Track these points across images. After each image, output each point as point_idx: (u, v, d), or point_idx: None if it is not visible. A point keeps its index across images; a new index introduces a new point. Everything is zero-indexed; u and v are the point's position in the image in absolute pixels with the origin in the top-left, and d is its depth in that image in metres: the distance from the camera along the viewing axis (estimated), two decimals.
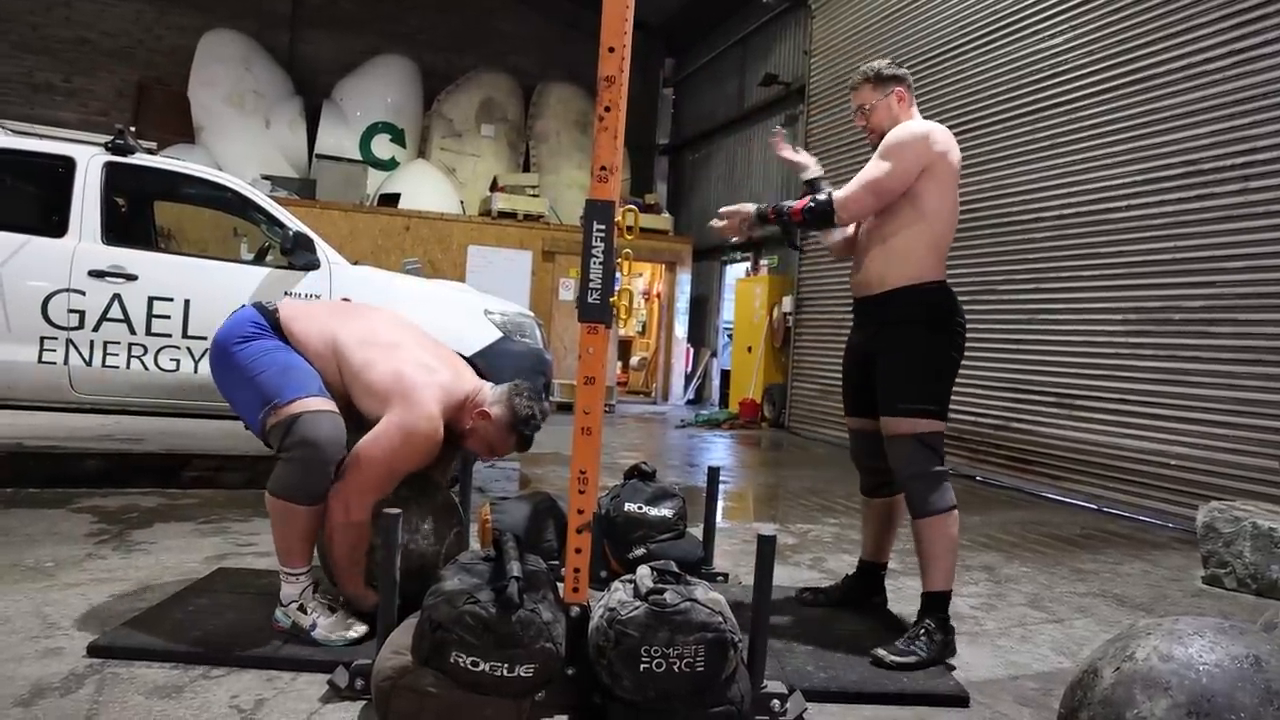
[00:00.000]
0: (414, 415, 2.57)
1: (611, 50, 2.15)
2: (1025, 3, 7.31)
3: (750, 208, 3.10)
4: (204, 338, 4.60)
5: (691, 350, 14.15)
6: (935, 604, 2.84)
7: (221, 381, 2.77)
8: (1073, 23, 6.81)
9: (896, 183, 2.87)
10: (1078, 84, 6.71)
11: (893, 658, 2.69)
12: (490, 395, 2.79)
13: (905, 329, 2.90)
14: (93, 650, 2.48)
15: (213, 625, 2.68)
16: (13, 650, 2.48)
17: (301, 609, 2.61)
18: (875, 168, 2.89)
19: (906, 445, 2.85)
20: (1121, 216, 6.28)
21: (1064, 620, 3.49)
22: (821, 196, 3.00)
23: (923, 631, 2.78)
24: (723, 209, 3.14)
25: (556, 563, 3.10)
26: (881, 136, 3.04)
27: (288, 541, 2.62)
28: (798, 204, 3.03)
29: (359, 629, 2.61)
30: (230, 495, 4.82)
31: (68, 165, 4.61)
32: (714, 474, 3.73)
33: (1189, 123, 5.80)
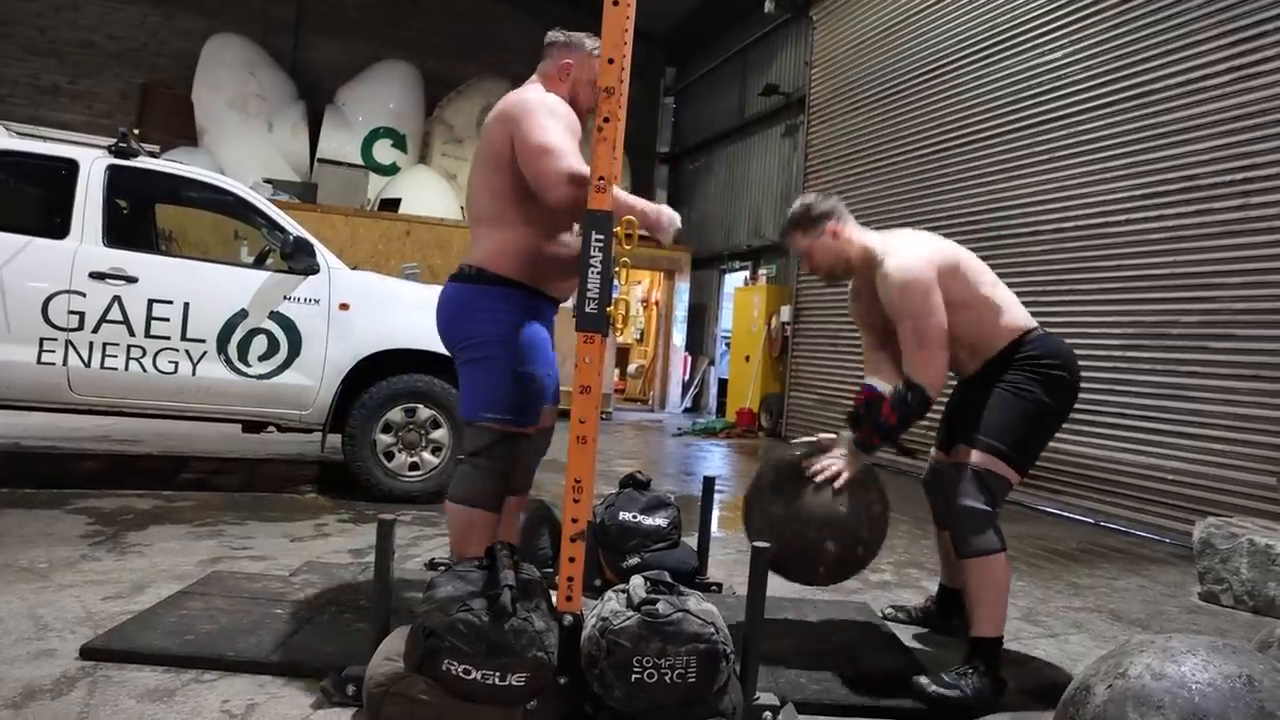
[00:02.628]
0: None
1: (611, 62, 2.16)
2: (1025, 16, 7.34)
3: (845, 448, 2.83)
4: (202, 340, 4.62)
5: (689, 358, 14.15)
6: (982, 651, 2.67)
7: None
8: (1072, 37, 6.83)
9: (939, 323, 2.69)
10: (1076, 98, 6.73)
11: (935, 688, 2.56)
12: None
13: (1007, 370, 2.82)
14: (85, 653, 2.48)
15: (206, 629, 2.68)
16: (5, 652, 2.47)
17: None
18: (913, 329, 2.70)
19: (962, 474, 2.72)
20: (1119, 231, 6.30)
21: (1059, 635, 3.48)
22: (905, 393, 2.73)
23: (970, 670, 2.63)
24: (814, 466, 2.82)
25: (550, 570, 3.09)
26: (831, 275, 2.96)
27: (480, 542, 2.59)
28: (886, 412, 2.79)
29: None
30: (226, 498, 4.82)
31: (71, 168, 4.62)
32: (709, 484, 3.73)
33: (1188, 138, 5.82)
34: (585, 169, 2.41)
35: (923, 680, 2.61)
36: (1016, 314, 2.89)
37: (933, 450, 3.23)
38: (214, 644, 2.56)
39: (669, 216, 2.53)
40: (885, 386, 3.02)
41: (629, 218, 2.38)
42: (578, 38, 2.86)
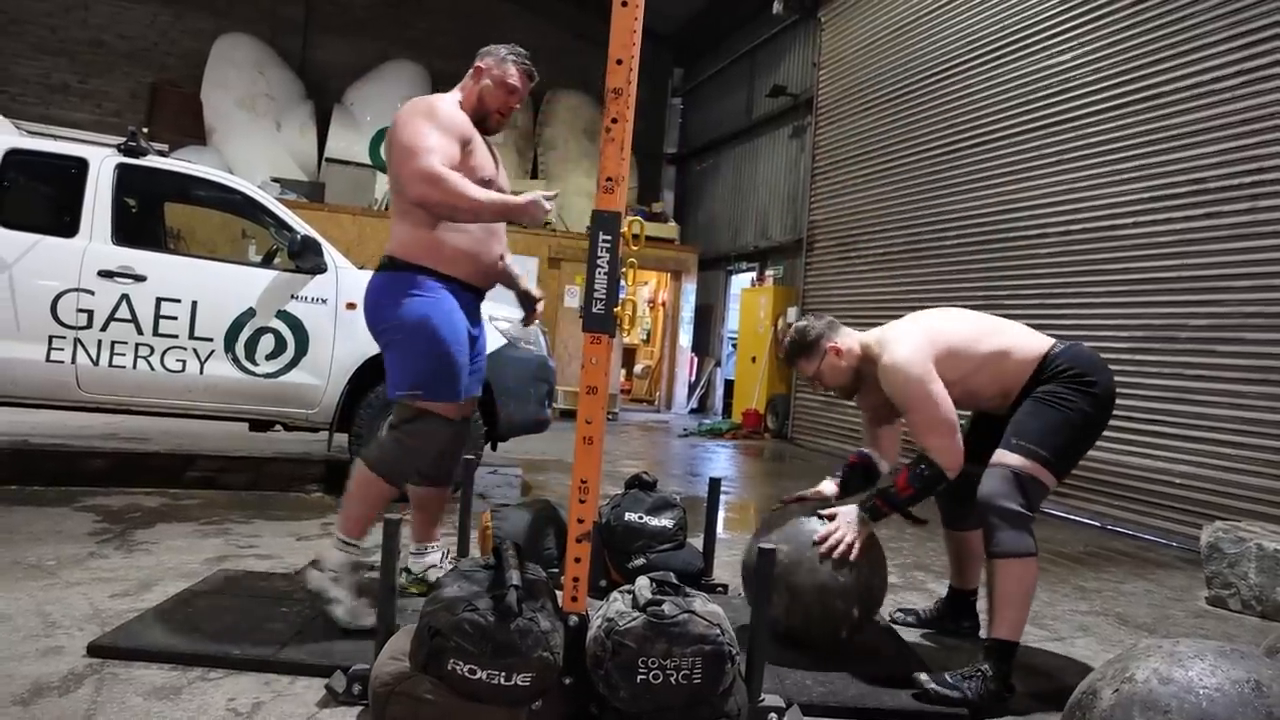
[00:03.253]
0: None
1: (619, 63, 2.16)
2: (1034, 19, 7.33)
3: (853, 516, 2.85)
4: (210, 339, 4.63)
5: (695, 359, 14.15)
6: (997, 653, 2.63)
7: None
8: (1081, 40, 6.81)
9: (945, 406, 2.74)
10: (1085, 101, 6.71)
11: (934, 687, 2.56)
12: None
13: (1039, 385, 2.82)
14: (92, 650, 2.48)
15: (212, 627, 2.68)
16: (13, 649, 2.48)
17: (336, 580, 2.71)
18: (923, 420, 2.76)
19: (1001, 475, 2.69)
20: (1127, 234, 6.28)
21: (1065, 639, 3.47)
22: (923, 470, 2.76)
23: (977, 673, 2.60)
24: (818, 536, 2.84)
25: (556, 570, 3.10)
26: (847, 392, 3.06)
27: (361, 510, 2.78)
28: (901, 484, 2.80)
29: (368, 619, 2.62)
30: (233, 497, 4.83)
31: (80, 166, 4.64)
32: (715, 485, 3.72)
33: (1196, 141, 5.80)
34: (440, 170, 2.64)
35: (923, 677, 2.61)
36: (1029, 345, 2.89)
37: None
38: (220, 642, 2.57)
39: (538, 205, 2.71)
40: (880, 460, 3.14)
41: (634, 219, 2.38)
42: (497, 47, 3.07)
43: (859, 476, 3.18)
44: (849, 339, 3.03)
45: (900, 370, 2.77)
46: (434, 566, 3.19)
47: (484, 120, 3.01)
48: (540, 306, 3.42)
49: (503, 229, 3.08)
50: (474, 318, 3.01)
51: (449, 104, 2.90)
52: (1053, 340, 2.91)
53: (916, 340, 2.83)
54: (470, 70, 3.05)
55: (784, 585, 2.79)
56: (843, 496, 3.11)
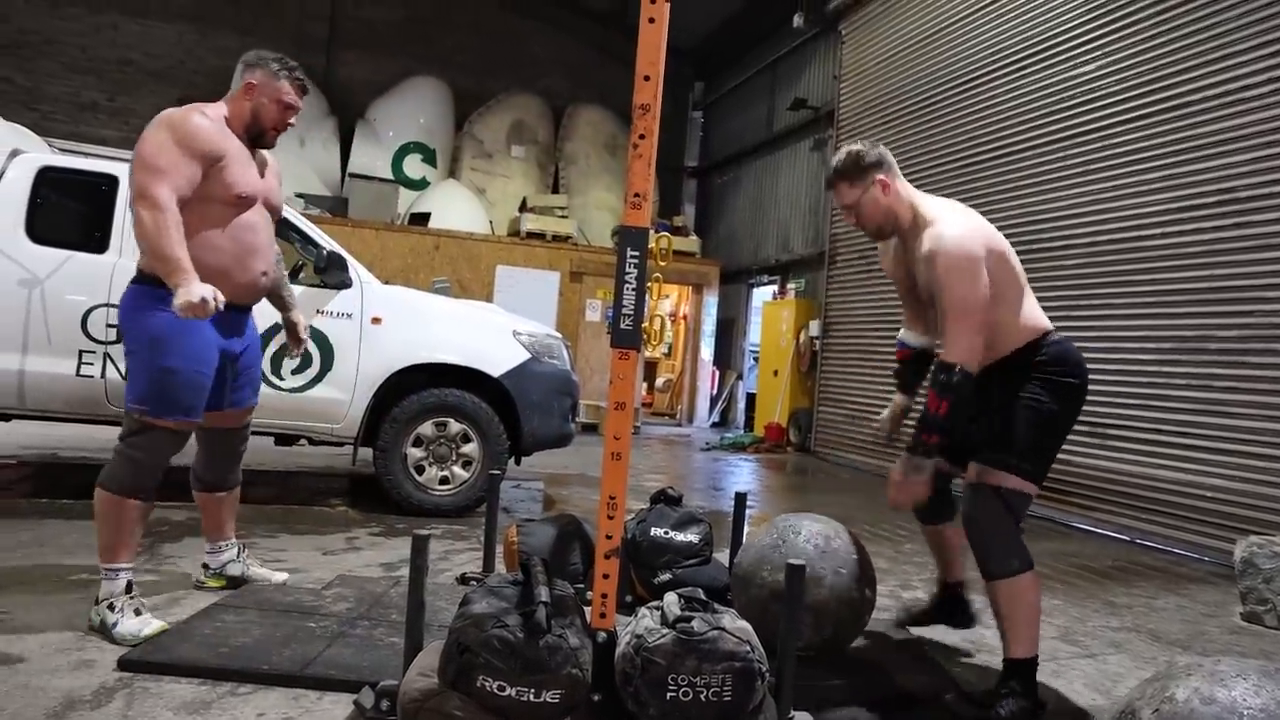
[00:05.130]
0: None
1: (647, 79, 2.16)
2: (1057, 29, 7.29)
3: (899, 470, 2.70)
4: None
5: (717, 373, 14.12)
6: (1017, 671, 2.62)
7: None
8: (1105, 50, 6.77)
9: (983, 298, 2.57)
10: (1111, 111, 6.66)
11: (972, 712, 2.54)
12: None
13: (1022, 378, 2.73)
14: (123, 664, 2.50)
15: (241, 642, 2.70)
16: (46, 661, 2.51)
17: (110, 606, 2.72)
18: (958, 300, 2.56)
19: (983, 495, 2.64)
20: (1155, 244, 6.22)
21: (1097, 655, 3.42)
22: (946, 379, 2.55)
23: (1005, 692, 2.59)
24: (893, 496, 2.73)
25: (581, 586, 3.09)
26: (880, 234, 2.86)
27: (113, 534, 2.77)
28: (935, 406, 2.59)
29: (153, 625, 2.72)
30: (257, 510, 4.85)
31: (110, 183, 4.70)
32: (740, 499, 3.70)
33: (1225, 150, 5.75)
34: (157, 190, 2.68)
35: (951, 699, 2.58)
36: (1038, 315, 2.82)
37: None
38: (249, 657, 2.58)
39: (185, 303, 2.63)
40: (919, 340, 3.00)
41: (662, 235, 2.39)
42: (266, 56, 3.04)
43: (913, 371, 3.06)
44: (902, 184, 2.83)
45: (958, 244, 2.59)
46: (232, 561, 3.36)
47: (260, 136, 3.03)
48: (304, 334, 3.53)
49: (267, 246, 3.12)
50: (236, 331, 3.08)
51: (199, 120, 2.85)
52: (1054, 327, 2.85)
53: (978, 225, 2.71)
54: (241, 84, 3.02)
55: (816, 582, 2.73)
56: (914, 395, 3.02)
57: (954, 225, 2.66)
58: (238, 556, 3.39)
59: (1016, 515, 2.64)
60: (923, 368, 3.07)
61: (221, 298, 2.71)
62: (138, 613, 2.75)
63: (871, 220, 2.83)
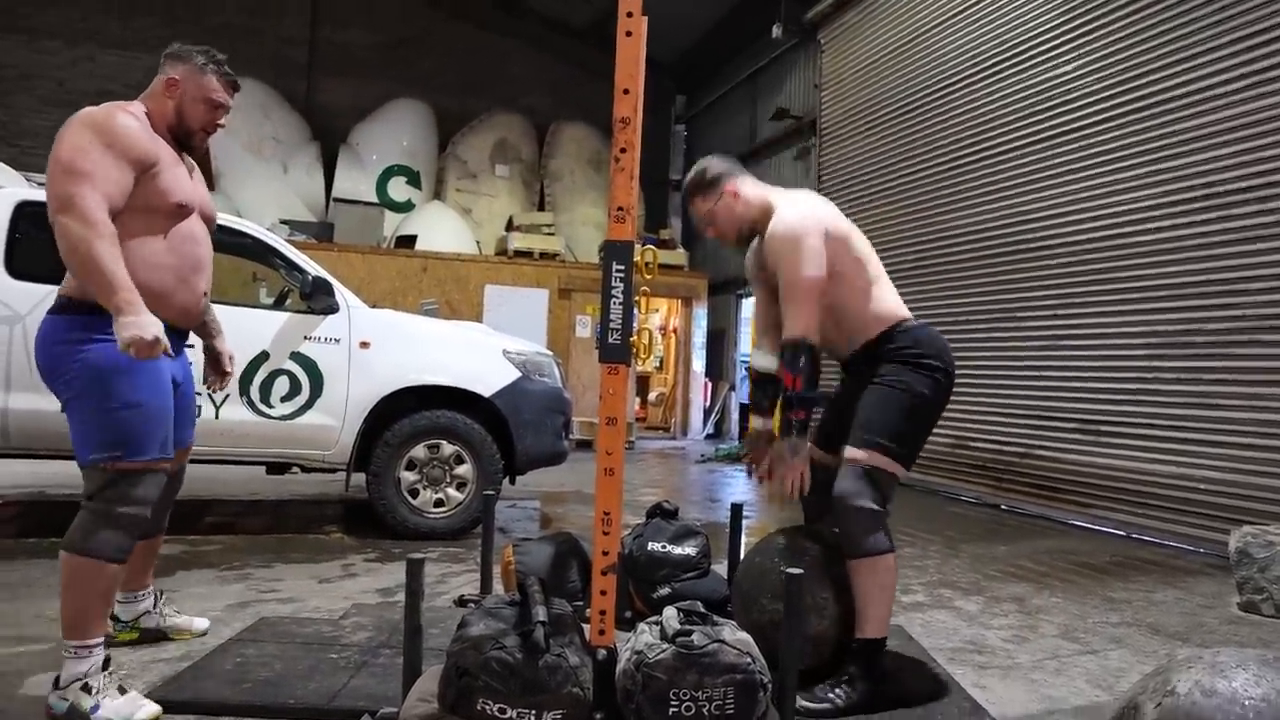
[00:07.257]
0: None
1: (626, 92, 2.17)
2: (1034, 31, 7.35)
3: (781, 450, 2.76)
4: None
5: (710, 384, 14.13)
6: (863, 651, 2.63)
7: None
8: (1082, 50, 6.83)
9: (816, 276, 2.64)
10: (1090, 110, 6.71)
11: (804, 703, 2.49)
12: None
13: (880, 364, 2.76)
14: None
15: (263, 675, 2.66)
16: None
17: (86, 688, 2.32)
18: (790, 279, 2.66)
19: (851, 473, 2.66)
20: (1140, 240, 6.26)
21: (1098, 651, 3.42)
22: (791, 356, 2.66)
23: (845, 678, 2.60)
24: (773, 490, 2.73)
25: (580, 603, 3.07)
26: (737, 240, 2.93)
27: (86, 606, 2.38)
28: (790, 383, 2.67)
29: (146, 709, 2.35)
30: (251, 541, 4.82)
31: None
32: (737, 511, 3.69)
33: (1204, 145, 5.79)
34: (84, 199, 2.30)
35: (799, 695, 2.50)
36: (893, 304, 2.84)
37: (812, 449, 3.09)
38: (274, 692, 2.53)
39: (131, 337, 2.27)
40: (768, 359, 2.97)
41: (647, 248, 2.38)
42: (189, 51, 2.68)
43: (767, 393, 3.01)
44: (750, 187, 2.90)
45: (789, 225, 2.69)
46: (147, 613, 3.02)
47: (187, 138, 2.68)
48: (228, 366, 3.06)
49: (209, 259, 2.76)
50: (177, 358, 2.67)
51: (126, 120, 2.48)
52: (911, 316, 2.85)
53: (815, 208, 2.77)
54: (162, 80, 2.64)
55: (818, 585, 2.71)
56: (773, 417, 2.99)
57: (790, 210, 2.76)
58: (154, 606, 3.05)
59: (883, 495, 2.66)
60: (776, 390, 3.00)
61: (165, 340, 2.34)
62: (123, 690, 2.38)
63: (730, 226, 2.92)
